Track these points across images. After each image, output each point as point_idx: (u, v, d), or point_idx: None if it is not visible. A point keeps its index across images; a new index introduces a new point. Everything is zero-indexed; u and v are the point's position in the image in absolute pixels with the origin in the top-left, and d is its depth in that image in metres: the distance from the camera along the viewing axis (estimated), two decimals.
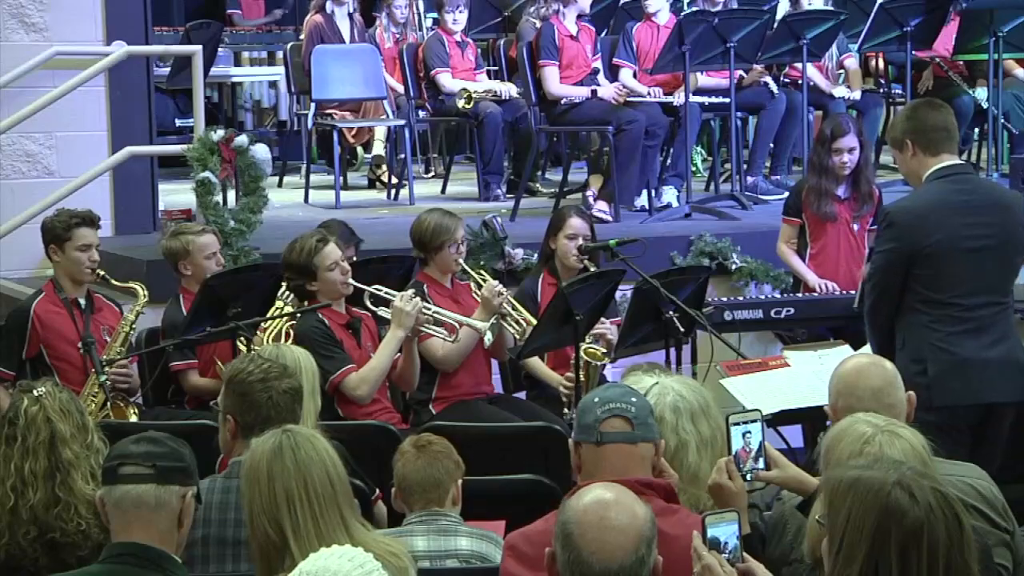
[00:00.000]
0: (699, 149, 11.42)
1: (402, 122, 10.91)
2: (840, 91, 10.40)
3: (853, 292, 7.52)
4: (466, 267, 7.02)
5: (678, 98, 9.65)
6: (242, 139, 8.36)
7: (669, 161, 10.09)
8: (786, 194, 8.58)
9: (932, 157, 5.69)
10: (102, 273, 6.95)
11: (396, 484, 4.64)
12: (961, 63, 10.85)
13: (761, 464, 3.99)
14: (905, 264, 5.62)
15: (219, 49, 12.57)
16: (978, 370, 5.59)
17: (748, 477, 3.97)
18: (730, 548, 3.30)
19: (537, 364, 7.05)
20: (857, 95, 10.44)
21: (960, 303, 5.60)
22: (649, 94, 9.73)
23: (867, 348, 5.85)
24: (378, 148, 11.59)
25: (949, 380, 5.56)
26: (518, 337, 6.78)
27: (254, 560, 3.84)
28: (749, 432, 3.95)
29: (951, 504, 3.03)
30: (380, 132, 11.55)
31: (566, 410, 6.60)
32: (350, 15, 11.34)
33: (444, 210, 7.09)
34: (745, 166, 10.27)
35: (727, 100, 9.65)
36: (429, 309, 6.58)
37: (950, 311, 5.60)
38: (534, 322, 6.71)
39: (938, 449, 4.09)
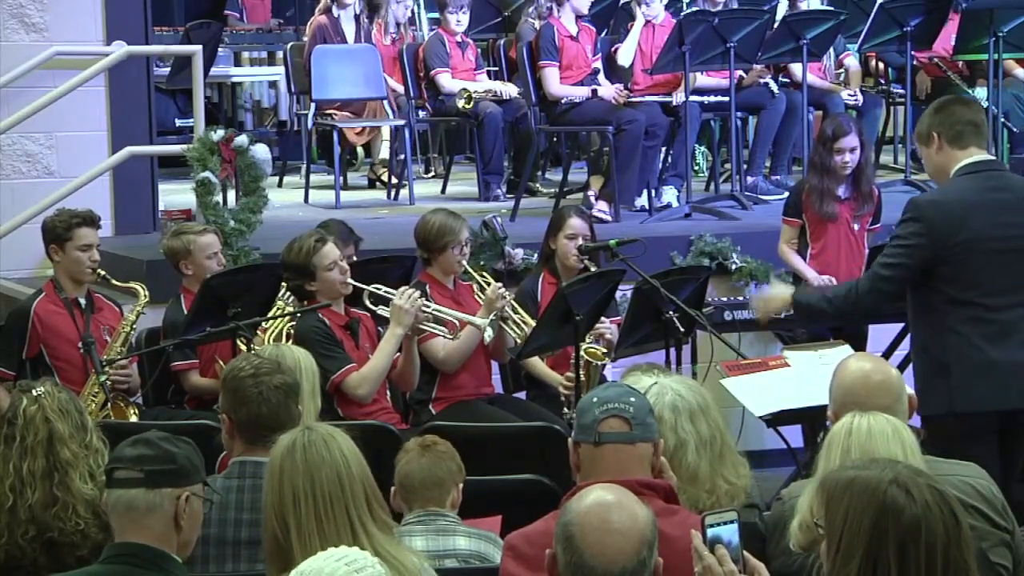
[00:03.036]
0: (702, 148, 11.42)
1: (402, 122, 10.91)
2: (845, 94, 10.40)
3: None
4: (469, 269, 7.02)
5: (677, 98, 9.65)
6: (242, 139, 8.36)
7: (669, 161, 10.09)
8: (786, 194, 8.58)
9: (960, 151, 5.48)
10: (103, 273, 6.96)
11: (397, 482, 4.65)
12: (960, 63, 10.85)
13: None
14: (929, 261, 5.40)
15: (219, 49, 12.57)
16: (1005, 374, 5.37)
17: None
18: (732, 547, 3.29)
19: (537, 364, 7.05)
20: (859, 97, 10.44)
21: (986, 303, 5.38)
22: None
23: (855, 350, 5.78)
24: (384, 150, 11.58)
25: (974, 385, 5.36)
26: (519, 341, 6.78)
27: (266, 558, 3.85)
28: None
29: (947, 501, 3.04)
30: (385, 133, 11.55)
31: (566, 410, 6.60)
32: (356, 17, 11.35)
33: (449, 211, 7.09)
34: (745, 166, 10.27)
35: (727, 100, 9.66)
36: (429, 307, 6.58)
37: (976, 312, 5.37)
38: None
39: (931, 448, 4.10)
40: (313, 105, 10.95)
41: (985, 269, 5.39)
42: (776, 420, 6.46)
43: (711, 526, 3.28)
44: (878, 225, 8.03)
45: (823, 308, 5.83)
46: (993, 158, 5.61)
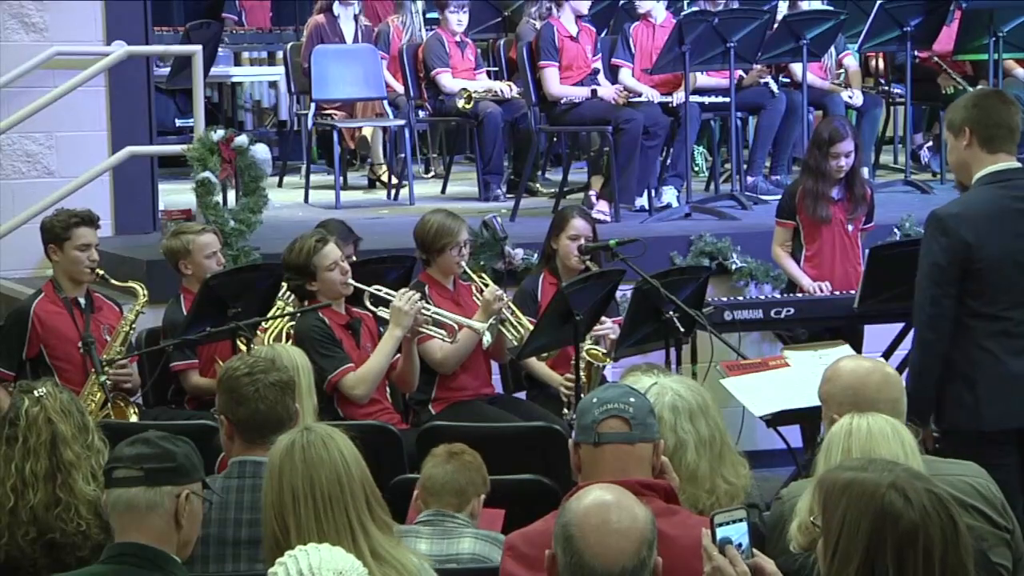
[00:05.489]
0: (702, 149, 11.42)
1: (402, 122, 10.91)
2: (845, 94, 10.39)
3: (852, 292, 7.53)
4: (468, 270, 7.02)
5: (677, 98, 9.65)
6: (242, 139, 8.36)
7: (669, 161, 10.09)
8: None
9: (989, 155, 5.30)
10: (101, 272, 6.95)
11: (420, 483, 4.68)
12: (967, 63, 10.84)
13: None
14: (959, 272, 5.24)
15: (219, 49, 12.56)
16: None
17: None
18: (742, 547, 3.27)
19: (537, 364, 7.05)
20: (859, 99, 10.43)
21: (1011, 316, 5.26)
22: (646, 94, 9.75)
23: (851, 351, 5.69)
24: (377, 146, 11.58)
25: (1001, 401, 5.25)
26: (516, 342, 6.78)
27: (266, 558, 3.84)
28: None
29: (945, 506, 3.02)
30: (368, 130, 11.55)
31: (566, 410, 6.61)
32: (355, 16, 11.34)
33: (448, 211, 7.08)
34: (745, 166, 10.27)
35: (727, 100, 9.66)
36: (428, 309, 6.57)
37: (1001, 326, 5.25)
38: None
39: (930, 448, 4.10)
40: (313, 105, 10.95)
41: (1009, 283, 5.28)
42: (776, 420, 6.46)
43: (720, 525, 3.26)
44: (872, 224, 8.04)
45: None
46: (1020, 166, 5.40)
